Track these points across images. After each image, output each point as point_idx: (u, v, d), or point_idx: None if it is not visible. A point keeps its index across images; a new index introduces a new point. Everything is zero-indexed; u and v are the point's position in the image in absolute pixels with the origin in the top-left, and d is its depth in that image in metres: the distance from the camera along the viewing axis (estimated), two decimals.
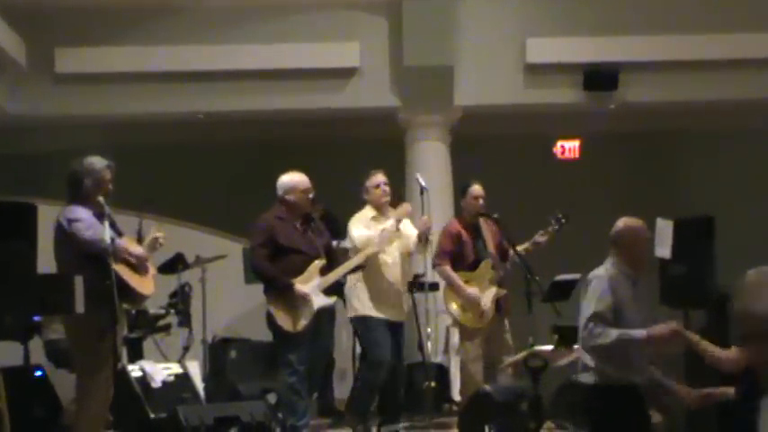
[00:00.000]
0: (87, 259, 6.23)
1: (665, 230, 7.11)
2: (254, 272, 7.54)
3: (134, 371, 7.54)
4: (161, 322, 8.75)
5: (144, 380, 7.53)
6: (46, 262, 6.50)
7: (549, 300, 7.93)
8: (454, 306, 7.99)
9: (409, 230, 7.82)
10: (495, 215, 8.02)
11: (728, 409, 4.85)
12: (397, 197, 8.18)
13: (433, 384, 8.59)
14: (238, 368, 9.20)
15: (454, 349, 9.09)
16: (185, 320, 8.91)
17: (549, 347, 7.05)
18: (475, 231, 8.11)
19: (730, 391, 4.69)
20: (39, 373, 8.01)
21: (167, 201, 11.28)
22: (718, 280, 7.24)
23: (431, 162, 10.52)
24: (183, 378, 7.77)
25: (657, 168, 12.93)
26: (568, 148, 13.05)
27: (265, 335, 7.73)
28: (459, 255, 8.00)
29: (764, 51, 10.45)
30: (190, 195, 12.03)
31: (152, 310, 8.55)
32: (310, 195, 7.43)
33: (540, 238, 8.09)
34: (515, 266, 8.06)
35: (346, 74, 10.54)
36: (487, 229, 8.13)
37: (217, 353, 9.36)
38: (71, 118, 10.58)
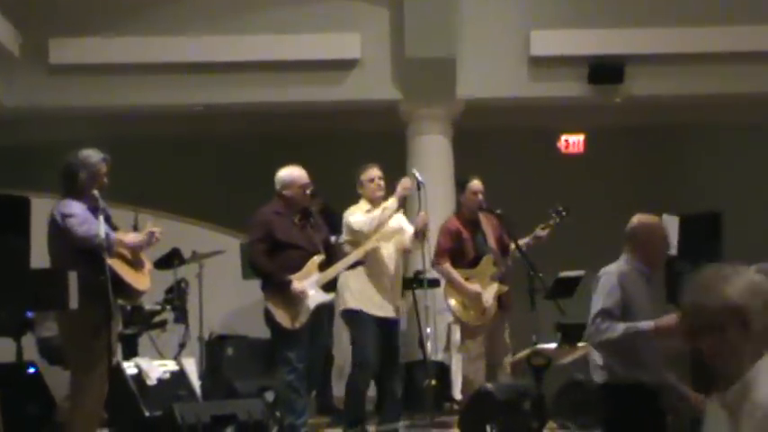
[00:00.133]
0: (81, 254, 6.22)
1: (670, 227, 7.12)
2: (251, 267, 7.53)
3: (129, 368, 7.53)
4: (157, 318, 8.75)
5: (139, 377, 7.52)
6: (39, 257, 6.50)
7: (553, 297, 7.93)
8: (455, 304, 7.98)
9: (405, 226, 7.81)
10: (498, 210, 8.01)
11: None
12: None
13: (433, 383, 8.59)
14: (235, 365, 9.20)
15: (455, 347, 9.09)
16: (181, 317, 8.90)
17: (553, 345, 7.06)
18: (475, 227, 8.09)
19: None
20: (32, 370, 8.01)
21: (164, 195, 11.29)
22: None
23: (432, 156, 10.51)
24: (179, 375, 7.75)
25: (663, 163, 12.92)
26: (573, 142, 13.04)
27: (263, 332, 7.72)
28: (459, 252, 7.98)
29: None
30: (187, 189, 12.03)
31: (148, 306, 8.55)
32: (308, 191, 7.41)
33: (541, 231, 8.07)
34: (518, 262, 8.05)
35: (347, 65, 10.53)
36: (487, 224, 8.12)
37: (213, 350, 9.36)
38: (66, 110, 10.57)
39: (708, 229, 7.39)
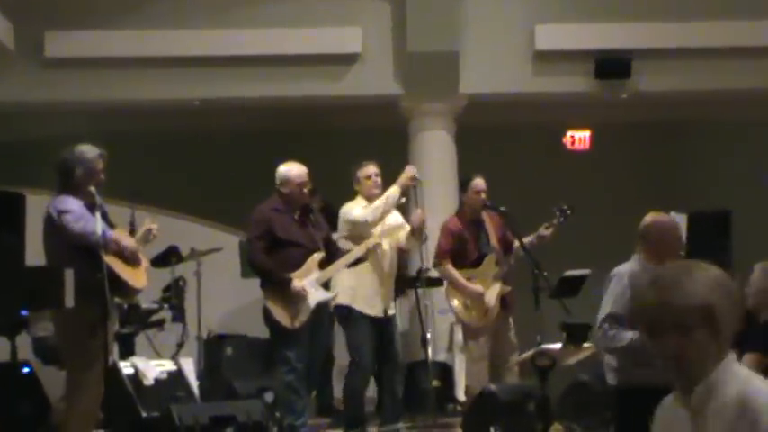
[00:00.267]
0: (77, 251, 6.22)
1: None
2: (250, 265, 7.54)
3: (126, 368, 7.54)
4: (154, 317, 8.75)
5: (136, 377, 7.53)
6: (34, 254, 6.51)
7: (558, 296, 7.92)
8: (457, 304, 7.98)
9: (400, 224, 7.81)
10: (503, 208, 8.01)
11: None
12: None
13: (436, 383, 8.59)
14: (234, 365, 9.20)
15: (458, 347, 9.09)
16: (179, 315, 8.90)
17: (558, 345, 7.05)
18: (477, 226, 8.08)
19: None
20: (26, 370, 8.01)
21: (161, 191, 11.28)
22: (735, 276, 7.23)
23: (435, 152, 10.51)
24: (177, 375, 7.76)
25: (671, 160, 12.92)
26: (579, 138, 13.04)
27: (262, 331, 7.72)
28: (461, 252, 7.98)
29: None
30: (185, 185, 12.04)
31: (145, 305, 8.55)
32: (305, 189, 7.41)
33: (545, 231, 8.05)
34: (522, 261, 8.05)
35: (347, 60, 10.52)
36: (490, 223, 8.11)
37: (212, 349, 9.36)
38: (61, 104, 10.57)
39: (716, 228, 7.38)
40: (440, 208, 9.11)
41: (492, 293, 7.94)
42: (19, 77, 10.31)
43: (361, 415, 7.81)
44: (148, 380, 7.55)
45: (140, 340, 8.64)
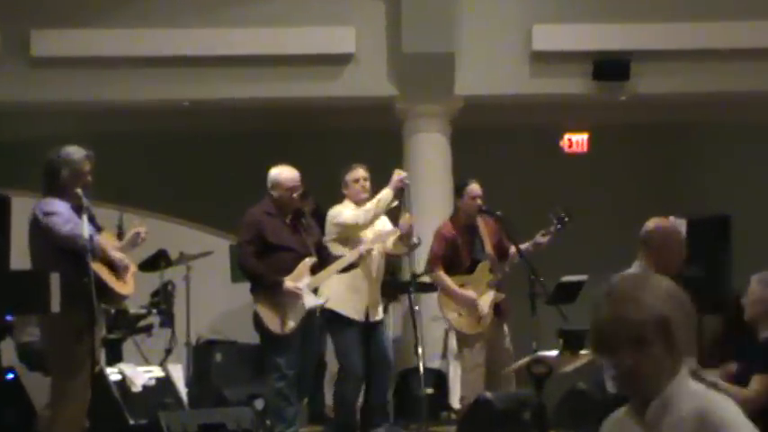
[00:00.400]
0: (64, 255, 6.21)
1: None
2: (240, 269, 7.53)
3: (113, 374, 7.52)
4: (142, 323, 8.74)
5: (123, 384, 7.51)
6: (20, 258, 6.49)
7: (555, 302, 7.92)
8: (450, 312, 7.99)
9: (387, 228, 7.81)
10: (498, 213, 8.01)
11: None
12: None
13: (429, 391, 8.58)
14: (224, 372, 9.20)
15: (453, 354, 9.09)
16: (168, 321, 8.89)
17: (554, 353, 7.03)
18: (471, 232, 8.08)
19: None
20: (10, 376, 7.99)
21: (150, 193, 11.28)
22: (735, 283, 7.25)
23: (429, 155, 10.50)
24: (165, 382, 7.75)
25: (671, 164, 12.93)
26: (576, 141, 13.05)
27: (252, 337, 7.72)
28: (454, 259, 7.98)
29: None
30: (174, 188, 12.02)
31: (132, 310, 8.53)
32: (296, 194, 7.40)
33: (541, 238, 8.05)
34: (518, 266, 8.04)
35: (341, 60, 10.52)
36: (485, 228, 8.11)
37: (201, 355, 9.35)
38: (48, 104, 10.55)
39: (716, 233, 7.39)
40: (434, 212, 9.12)
41: (485, 300, 7.94)
42: (4, 77, 10.27)
43: (353, 423, 7.80)
44: (136, 387, 7.54)
45: (128, 346, 8.63)
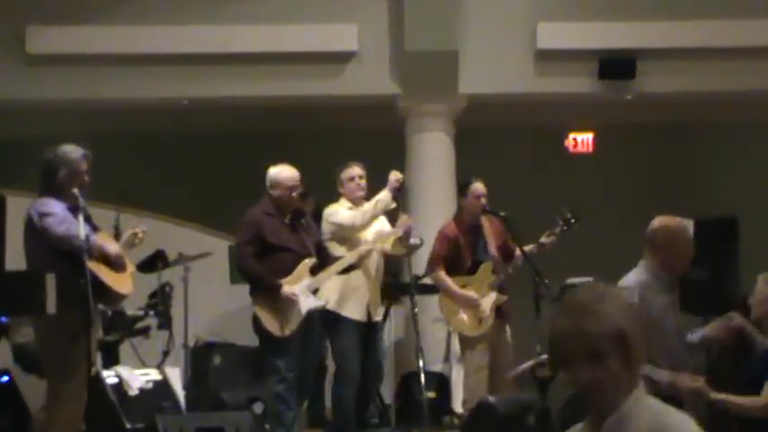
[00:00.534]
0: (60, 256, 6.21)
1: None
2: (239, 271, 7.53)
3: (109, 377, 7.50)
4: (139, 324, 8.73)
5: (120, 387, 7.49)
6: (15, 258, 6.48)
7: None
8: (451, 314, 7.98)
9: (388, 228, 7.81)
10: (502, 213, 7.99)
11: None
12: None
13: (432, 395, 8.57)
14: (222, 375, 9.19)
15: (455, 357, 9.08)
16: (165, 323, 8.89)
17: None
18: (475, 232, 8.07)
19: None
20: (5, 379, 7.99)
21: (148, 193, 11.28)
22: (742, 285, 7.23)
23: (433, 154, 10.50)
24: (163, 385, 7.73)
25: (677, 164, 12.92)
26: (581, 141, 13.04)
27: (251, 339, 7.71)
28: (456, 259, 7.98)
29: None
30: (172, 187, 12.02)
31: (129, 312, 8.53)
32: (295, 193, 7.40)
33: (546, 239, 8.03)
34: (521, 268, 8.03)
35: (343, 58, 10.51)
36: (490, 229, 8.10)
37: (199, 358, 9.34)
38: (44, 102, 10.55)
39: (724, 234, 7.36)
40: (436, 212, 9.11)
41: (487, 302, 7.93)
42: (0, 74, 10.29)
43: (351, 425, 7.80)
44: (133, 390, 7.52)
45: (125, 348, 8.63)
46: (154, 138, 12.05)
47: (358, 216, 7.60)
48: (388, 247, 7.77)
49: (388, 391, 9.50)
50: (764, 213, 11.36)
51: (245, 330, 7.82)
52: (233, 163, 11.95)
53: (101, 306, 6.85)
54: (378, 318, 7.81)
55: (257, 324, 7.25)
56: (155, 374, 7.79)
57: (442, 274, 7.97)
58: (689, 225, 7.01)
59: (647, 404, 2.54)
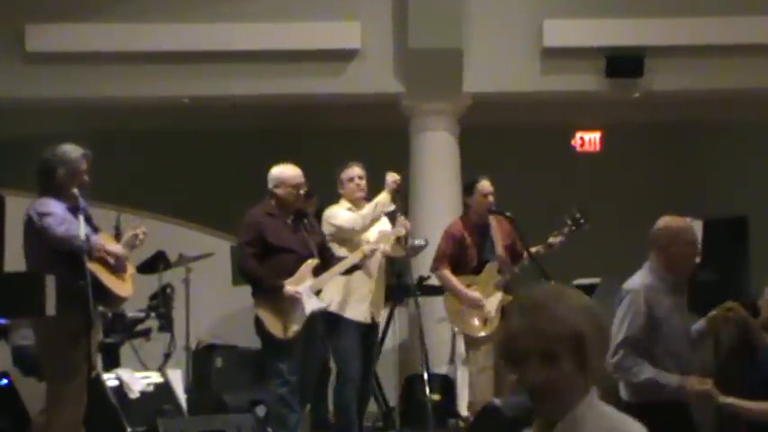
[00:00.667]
0: (59, 257, 6.22)
1: None
2: (240, 272, 7.53)
3: (110, 380, 7.53)
4: (140, 327, 8.74)
5: (121, 390, 7.52)
6: (14, 259, 6.49)
7: None
8: (455, 314, 7.99)
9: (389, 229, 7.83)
10: (508, 213, 8.00)
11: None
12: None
13: (436, 397, 8.57)
14: (224, 377, 9.19)
15: (460, 359, 9.08)
16: (167, 325, 8.89)
17: None
18: (482, 232, 8.08)
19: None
20: (4, 382, 8.00)
21: (149, 193, 11.29)
22: (753, 286, 7.23)
23: (437, 154, 10.51)
24: (164, 388, 7.75)
25: (686, 163, 12.92)
26: (588, 140, 13.04)
27: (254, 341, 7.71)
28: (462, 258, 7.99)
29: None
30: (173, 187, 12.03)
31: (130, 314, 8.54)
32: (301, 191, 7.40)
33: (554, 239, 8.04)
34: (527, 268, 8.04)
35: (346, 56, 10.52)
36: (498, 228, 8.10)
37: (201, 360, 9.35)
38: (43, 101, 10.56)
39: (733, 234, 7.38)
40: (441, 211, 9.12)
41: (492, 302, 7.94)
42: None
43: (354, 428, 7.82)
44: (134, 392, 7.54)
45: (126, 351, 8.64)
46: (154, 137, 12.06)
47: (358, 220, 7.63)
48: (388, 248, 7.79)
49: (392, 394, 9.51)
50: None
51: (247, 332, 7.82)
52: (234, 162, 11.96)
53: (101, 308, 6.85)
54: (379, 319, 7.83)
55: (259, 326, 7.25)
56: (156, 377, 7.81)
57: (447, 273, 7.98)
58: (693, 226, 7.02)
59: (601, 410, 2.51)
